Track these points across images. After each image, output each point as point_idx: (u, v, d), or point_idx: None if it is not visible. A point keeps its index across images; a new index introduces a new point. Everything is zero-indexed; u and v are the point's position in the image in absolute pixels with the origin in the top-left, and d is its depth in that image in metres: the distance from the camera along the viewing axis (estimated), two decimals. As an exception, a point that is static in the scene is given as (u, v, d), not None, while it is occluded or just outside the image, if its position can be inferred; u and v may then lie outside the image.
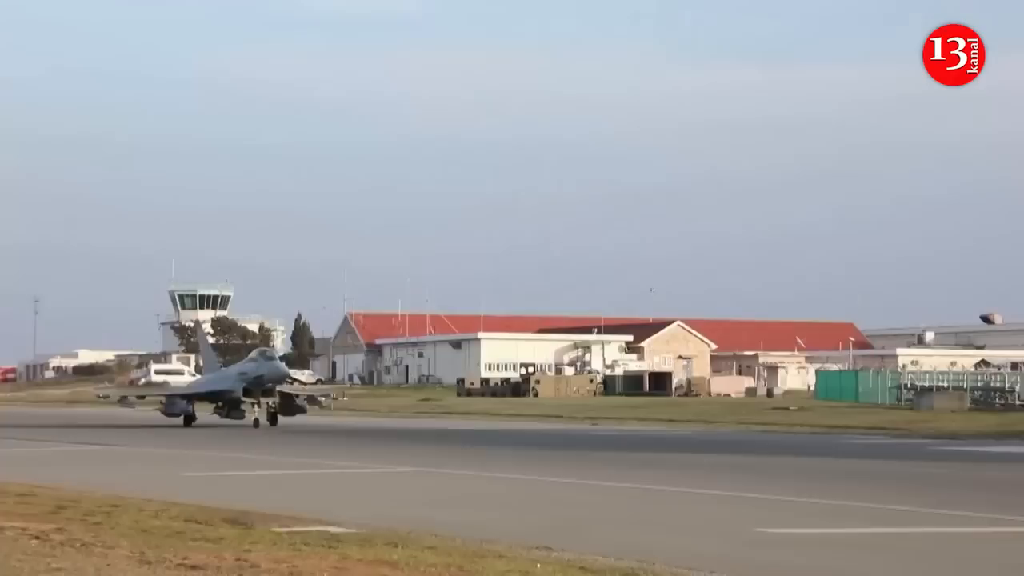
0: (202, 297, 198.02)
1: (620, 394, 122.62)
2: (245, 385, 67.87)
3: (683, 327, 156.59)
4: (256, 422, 65.90)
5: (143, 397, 77.37)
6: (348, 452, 44.68)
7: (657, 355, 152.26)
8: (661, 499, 28.74)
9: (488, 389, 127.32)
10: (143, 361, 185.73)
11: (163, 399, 72.67)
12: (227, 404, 69.06)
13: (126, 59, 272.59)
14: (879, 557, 19.38)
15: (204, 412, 71.19)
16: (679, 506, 27.12)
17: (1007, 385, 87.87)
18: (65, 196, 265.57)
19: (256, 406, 67.28)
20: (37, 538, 19.04)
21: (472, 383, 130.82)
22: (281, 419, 67.99)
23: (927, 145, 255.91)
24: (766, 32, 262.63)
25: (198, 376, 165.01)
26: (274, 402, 68.08)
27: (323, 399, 74.86)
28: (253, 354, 72.30)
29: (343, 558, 17.33)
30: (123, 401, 74.64)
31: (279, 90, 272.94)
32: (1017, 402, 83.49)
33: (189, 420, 68.83)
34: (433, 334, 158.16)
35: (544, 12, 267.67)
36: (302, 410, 70.29)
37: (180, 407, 69.48)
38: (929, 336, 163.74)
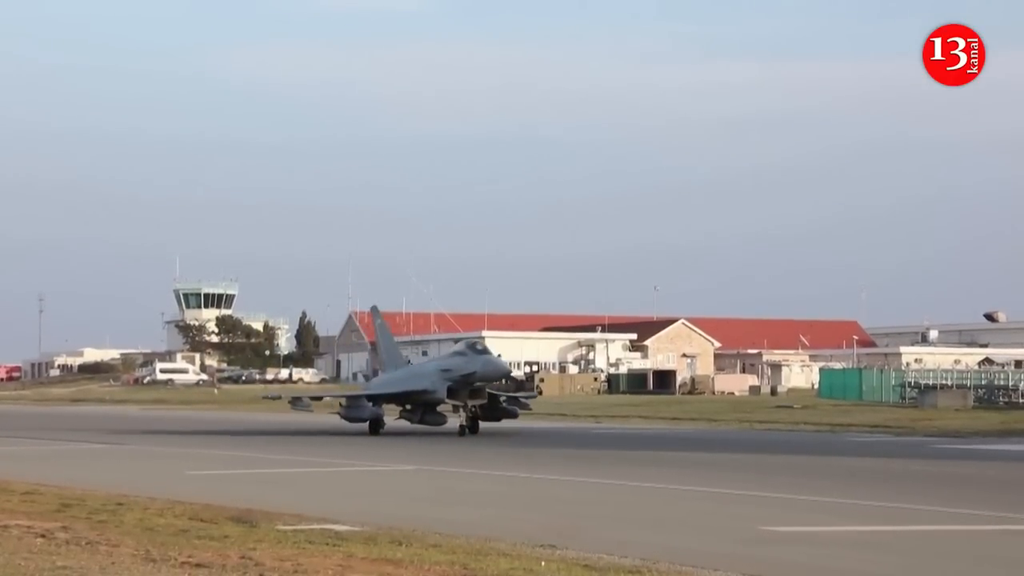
0: (207, 296, 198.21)
1: (624, 392, 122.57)
2: (450, 384, 56.20)
3: (687, 325, 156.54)
4: (463, 429, 55.46)
5: (319, 398, 68.22)
6: (352, 450, 44.74)
7: (661, 353, 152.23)
8: (664, 497, 28.78)
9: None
10: (148, 360, 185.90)
11: (343, 401, 62.31)
12: (421, 407, 58.14)
13: (129, 57, 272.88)
14: (882, 555, 19.41)
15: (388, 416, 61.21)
16: (682, 504, 27.15)
17: (1011, 383, 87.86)
18: (70, 194, 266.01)
19: (462, 410, 56.41)
20: (42, 536, 19.11)
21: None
22: (483, 425, 57.14)
23: (930, 143, 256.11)
24: (767, 30, 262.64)
25: (203, 375, 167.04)
26: (478, 405, 57.00)
27: (526, 400, 63.96)
28: (459, 347, 60.27)
29: (347, 556, 17.38)
30: (296, 404, 63.63)
31: (284, 88, 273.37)
32: (1021, 400, 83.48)
33: (376, 426, 58.16)
34: (437, 332, 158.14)
35: (544, 11, 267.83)
36: (510, 414, 58.74)
37: (367, 411, 58.75)
38: (933, 334, 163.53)
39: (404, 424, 58.08)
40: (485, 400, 57.03)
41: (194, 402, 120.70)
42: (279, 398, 70.59)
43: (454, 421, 56.54)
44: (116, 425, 68.09)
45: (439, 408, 57.82)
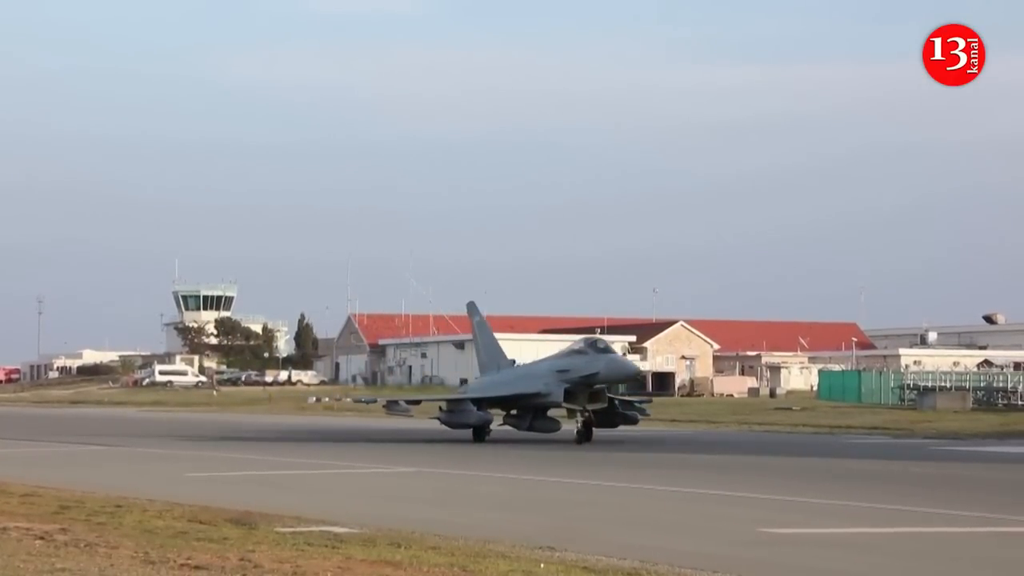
0: (205, 298, 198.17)
1: (623, 394, 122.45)
2: (567, 387, 50.84)
3: (686, 327, 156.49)
4: (580, 435, 50.15)
5: (417, 402, 61.23)
6: (350, 453, 44.72)
7: (660, 355, 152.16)
8: (664, 499, 28.79)
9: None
10: (147, 361, 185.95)
11: (444, 405, 55.91)
12: (531, 411, 53.09)
13: (128, 59, 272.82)
14: (882, 557, 19.41)
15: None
16: (682, 506, 27.17)
17: (1010, 385, 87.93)
18: (69, 196, 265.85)
19: (578, 415, 50.92)
20: (41, 538, 19.10)
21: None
22: (596, 432, 51.26)
23: (928, 145, 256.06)
24: (766, 32, 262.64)
25: (202, 377, 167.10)
26: (597, 409, 51.32)
27: (641, 404, 56.48)
28: (578, 344, 54.27)
29: (346, 558, 17.38)
30: (392, 407, 58.34)
31: (283, 90, 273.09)
32: (1019, 402, 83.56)
33: (481, 432, 52.61)
34: (436, 334, 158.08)
35: (543, 12, 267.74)
36: (630, 420, 53.24)
37: (472, 415, 52.86)
38: (932, 336, 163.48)
39: (508, 431, 53.09)
40: (606, 404, 51.77)
41: (193, 404, 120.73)
42: (374, 402, 63.81)
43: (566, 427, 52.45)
44: (115, 427, 68.05)
45: (548, 413, 53.46)
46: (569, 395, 50.81)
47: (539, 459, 41.80)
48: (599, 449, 47.35)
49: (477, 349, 61.87)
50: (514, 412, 53.59)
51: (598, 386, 51.10)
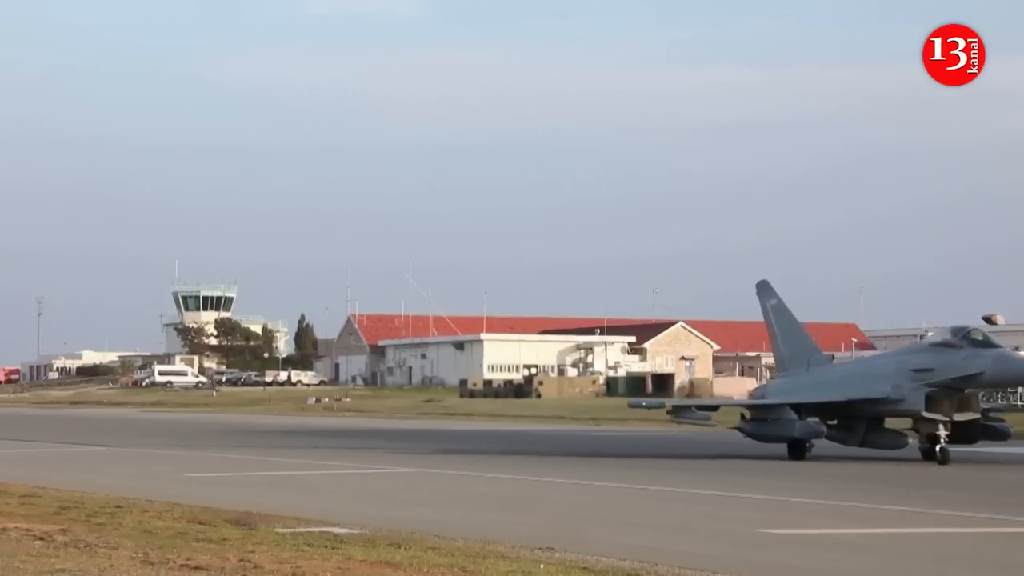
0: (205, 298, 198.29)
1: (623, 395, 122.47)
2: (929, 392, 40.77)
3: (686, 328, 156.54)
4: (942, 453, 39.89)
5: (714, 407, 46.79)
6: (351, 453, 44.71)
7: (660, 356, 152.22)
8: (663, 500, 28.78)
9: (491, 390, 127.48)
10: (147, 362, 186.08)
11: (746, 412, 45.00)
12: (865, 422, 43.10)
13: (128, 60, 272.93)
14: (882, 558, 19.40)
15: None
16: (681, 507, 27.15)
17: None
18: (69, 197, 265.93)
19: (941, 427, 40.41)
20: (41, 539, 19.09)
21: (475, 384, 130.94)
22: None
23: (928, 145, 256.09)
24: (765, 33, 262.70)
25: (201, 378, 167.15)
26: (967, 421, 41.33)
27: (1001, 415, 45.30)
28: (940, 336, 43.10)
29: (346, 559, 17.38)
30: (682, 414, 45.90)
31: (284, 92, 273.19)
32: (1019, 403, 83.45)
33: (801, 448, 42.27)
34: (436, 335, 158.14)
35: (542, 14, 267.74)
36: (999, 434, 42.59)
37: (794, 426, 42.14)
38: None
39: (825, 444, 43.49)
40: (979, 415, 41.71)
41: (193, 404, 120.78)
42: (661, 406, 48.45)
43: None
44: (115, 428, 68.04)
45: (884, 424, 43.73)
46: (931, 402, 40.59)
47: (538, 460, 41.77)
48: (598, 451, 47.12)
49: (775, 341, 48.98)
50: (837, 422, 43.42)
51: (969, 391, 41.35)
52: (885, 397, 41.68)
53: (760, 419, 43.66)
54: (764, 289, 49.56)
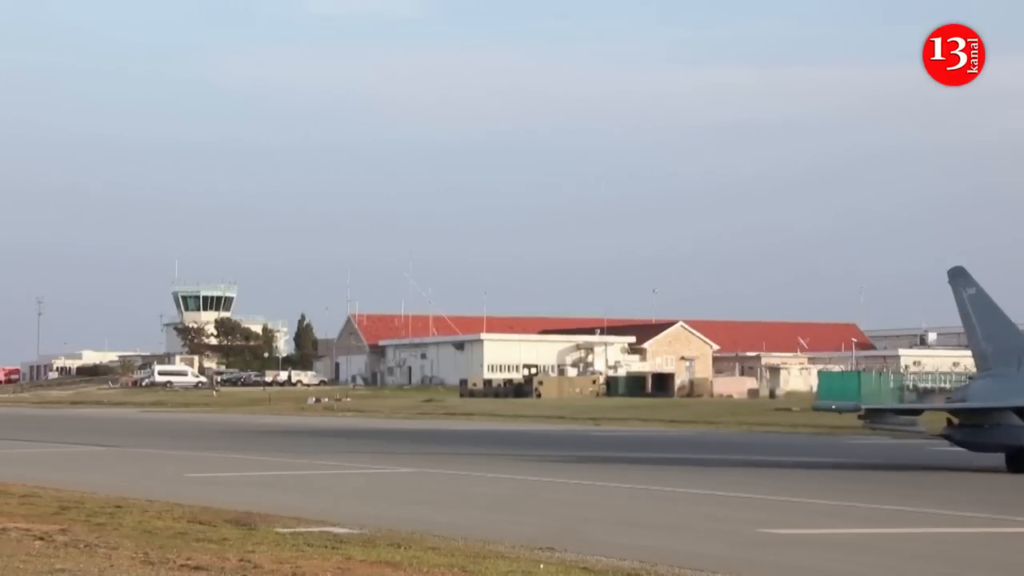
0: (205, 298, 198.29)
1: (623, 395, 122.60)
2: None
3: (685, 328, 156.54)
4: None
5: (918, 412, 42.08)
6: (350, 453, 44.72)
7: (660, 356, 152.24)
8: (664, 500, 28.79)
9: (491, 390, 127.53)
10: (147, 362, 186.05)
11: (953, 416, 39.44)
12: None
13: (128, 60, 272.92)
14: (882, 558, 19.40)
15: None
16: (682, 507, 27.16)
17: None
18: (69, 197, 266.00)
19: None
20: (41, 539, 19.09)
21: (475, 384, 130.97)
22: None
23: (928, 145, 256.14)
24: (765, 33, 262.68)
25: (201, 378, 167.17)
26: None
27: None
28: None
29: (346, 559, 17.38)
30: (876, 419, 41.32)
31: (284, 92, 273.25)
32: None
33: (1022, 458, 36.75)
34: (436, 335, 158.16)
35: (542, 15, 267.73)
36: None
37: (1017, 433, 36.73)
38: (931, 337, 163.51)
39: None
40: None
41: (193, 404, 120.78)
42: (857, 410, 42.65)
43: None
44: (115, 428, 68.03)
45: None
46: None
47: (537, 460, 41.76)
48: (598, 451, 47.19)
49: (974, 335, 42.66)
50: None
51: None
52: None
53: (974, 425, 37.89)
54: (959, 276, 43.44)
